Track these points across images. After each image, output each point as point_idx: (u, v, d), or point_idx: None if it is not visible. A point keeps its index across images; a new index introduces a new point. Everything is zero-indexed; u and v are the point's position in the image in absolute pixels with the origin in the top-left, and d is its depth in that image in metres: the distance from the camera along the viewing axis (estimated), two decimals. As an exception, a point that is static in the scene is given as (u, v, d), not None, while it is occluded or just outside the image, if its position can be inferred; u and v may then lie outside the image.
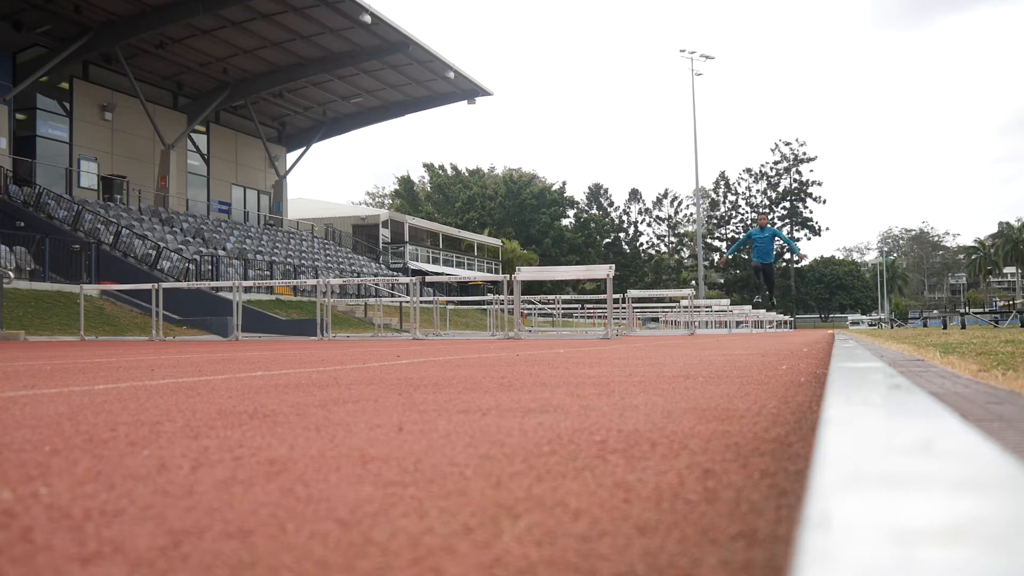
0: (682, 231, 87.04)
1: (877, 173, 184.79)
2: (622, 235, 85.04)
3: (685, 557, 0.54)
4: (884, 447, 0.66)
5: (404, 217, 48.66)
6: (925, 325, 39.23)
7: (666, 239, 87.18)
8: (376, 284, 27.31)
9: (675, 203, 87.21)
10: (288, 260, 32.05)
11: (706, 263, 77.48)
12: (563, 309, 27.75)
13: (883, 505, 0.46)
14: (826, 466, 0.58)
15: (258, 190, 38.43)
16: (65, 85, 28.97)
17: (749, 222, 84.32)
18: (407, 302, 19.76)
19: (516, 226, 74.64)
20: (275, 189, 39.18)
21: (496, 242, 58.98)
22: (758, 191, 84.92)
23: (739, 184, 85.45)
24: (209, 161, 35.49)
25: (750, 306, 36.22)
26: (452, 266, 46.43)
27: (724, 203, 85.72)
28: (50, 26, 25.21)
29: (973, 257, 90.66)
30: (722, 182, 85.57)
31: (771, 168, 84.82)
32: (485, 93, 34.26)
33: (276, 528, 0.62)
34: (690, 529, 0.61)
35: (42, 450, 1.03)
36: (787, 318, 43.59)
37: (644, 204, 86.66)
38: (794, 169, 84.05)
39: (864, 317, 65.44)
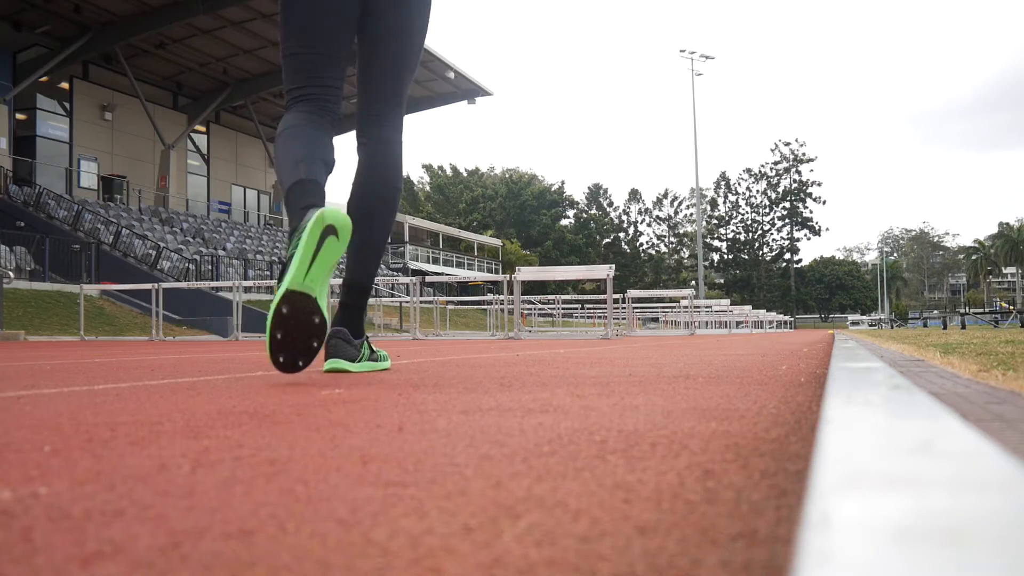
0: (682, 231, 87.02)
1: (877, 173, 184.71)
2: (622, 235, 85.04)
3: (685, 557, 0.54)
4: (884, 447, 0.66)
5: (404, 217, 48.67)
6: (925, 325, 39.24)
7: (666, 239, 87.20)
8: (376, 284, 27.32)
9: (675, 203, 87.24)
10: (288, 260, 31.96)
11: (706, 263, 77.44)
12: (563, 309, 27.73)
13: (883, 505, 0.46)
14: (826, 466, 0.58)
15: (258, 190, 38.43)
16: (65, 85, 28.96)
17: (749, 222, 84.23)
18: (407, 302, 19.77)
19: (517, 227, 74.58)
20: (275, 189, 39.17)
21: (496, 242, 58.99)
22: (758, 191, 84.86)
23: (739, 184, 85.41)
24: (209, 161, 35.49)
25: (750, 306, 36.21)
26: (452, 266, 46.45)
27: (724, 203, 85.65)
28: (50, 26, 25.20)
29: (973, 257, 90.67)
30: (722, 182, 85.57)
31: (771, 168, 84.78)
32: (485, 93, 34.27)
33: (276, 528, 0.62)
34: (690, 529, 0.61)
35: (42, 450, 1.03)
36: (787, 318, 43.62)
37: (644, 204, 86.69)
38: (794, 169, 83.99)
39: (864, 317, 65.46)
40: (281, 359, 2.13)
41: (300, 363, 2.17)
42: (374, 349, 2.76)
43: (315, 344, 2.18)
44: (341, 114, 2.70)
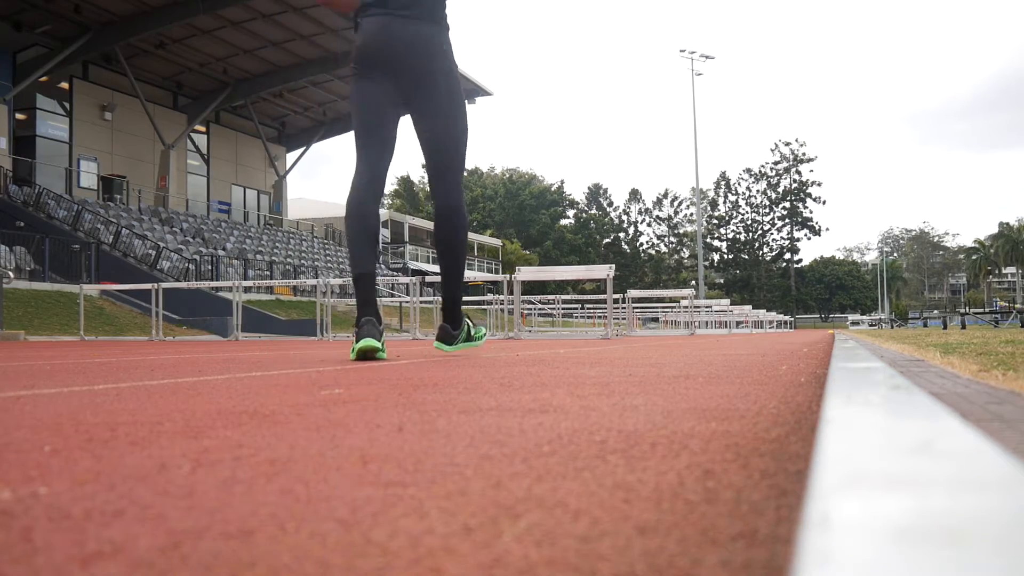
0: (682, 231, 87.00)
1: (877, 173, 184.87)
2: (622, 235, 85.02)
3: (685, 557, 0.54)
4: (884, 447, 0.66)
5: (404, 217, 48.70)
6: (925, 325, 39.26)
7: (666, 239, 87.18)
8: (376, 284, 27.28)
9: (675, 203, 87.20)
10: (288, 260, 32.05)
11: (706, 263, 77.42)
12: (563, 309, 27.72)
13: (883, 505, 0.46)
14: (826, 466, 0.58)
15: (258, 190, 38.43)
16: (65, 85, 28.96)
17: (749, 222, 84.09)
18: (407, 302, 19.76)
19: (516, 227, 74.55)
20: (275, 189, 39.18)
21: (496, 242, 58.99)
22: (758, 191, 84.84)
23: (739, 184, 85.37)
24: (209, 161, 35.49)
25: (750, 306, 36.21)
26: (452, 266, 46.29)
27: (724, 203, 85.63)
28: (50, 26, 25.21)
29: (973, 258, 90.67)
30: (722, 182, 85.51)
31: (771, 168, 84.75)
32: (485, 93, 34.27)
33: (276, 528, 0.62)
34: (690, 529, 0.61)
35: (42, 450, 1.03)
36: (787, 318, 43.62)
37: (644, 204, 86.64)
38: (794, 169, 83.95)
39: (864, 317, 65.46)
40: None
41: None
42: (472, 333, 4.07)
43: (379, 355, 3.66)
44: (385, 177, 3.83)
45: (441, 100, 3.67)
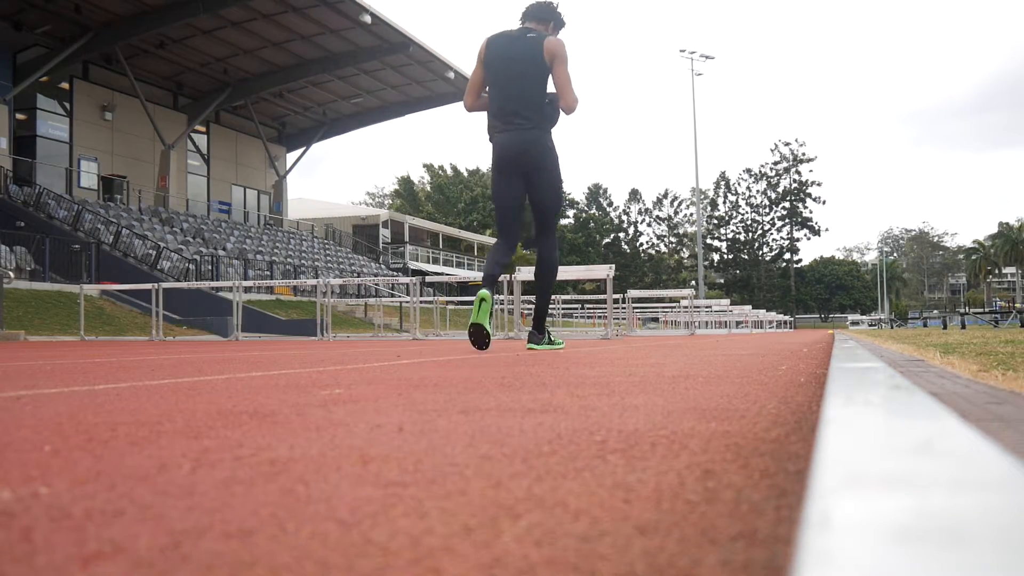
0: (682, 231, 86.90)
1: (877, 173, 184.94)
2: (622, 235, 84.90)
3: (685, 557, 0.54)
4: (884, 447, 0.66)
5: (404, 217, 48.69)
6: (925, 325, 39.24)
7: (666, 239, 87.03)
8: (376, 284, 27.31)
9: (675, 203, 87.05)
10: (288, 260, 32.04)
11: (706, 263, 77.38)
12: (563, 309, 27.71)
13: (883, 505, 0.46)
14: (826, 466, 0.58)
15: (258, 190, 38.40)
16: (65, 85, 28.93)
17: (749, 222, 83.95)
18: (407, 302, 19.77)
19: (516, 227, 74.24)
20: (275, 189, 39.15)
21: (496, 242, 58.75)
22: (758, 191, 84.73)
23: (739, 184, 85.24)
24: (209, 161, 35.46)
25: (749, 306, 36.20)
26: (452, 266, 46.47)
27: (724, 203, 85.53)
28: (50, 26, 25.19)
29: (973, 257, 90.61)
30: (722, 182, 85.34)
31: (771, 168, 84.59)
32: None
33: (276, 528, 0.62)
34: (690, 529, 0.61)
35: (42, 450, 1.03)
36: (787, 318, 43.61)
37: (644, 204, 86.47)
38: (794, 169, 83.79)
39: (864, 317, 65.37)
40: (474, 343, 4.86)
41: (482, 347, 4.87)
42: (553, 339, 5.54)
43: (487, 341, 4.87)
44: (519, 240, 5.48)
45: (548, 182, 5.25)
